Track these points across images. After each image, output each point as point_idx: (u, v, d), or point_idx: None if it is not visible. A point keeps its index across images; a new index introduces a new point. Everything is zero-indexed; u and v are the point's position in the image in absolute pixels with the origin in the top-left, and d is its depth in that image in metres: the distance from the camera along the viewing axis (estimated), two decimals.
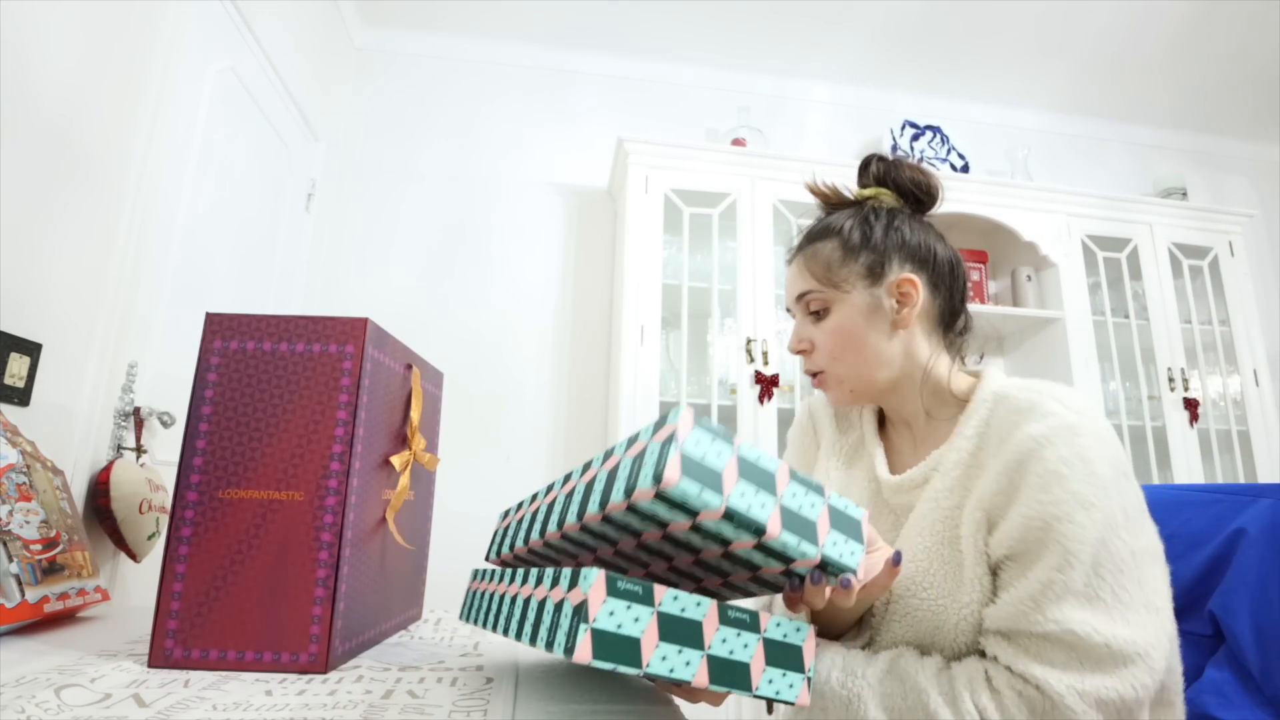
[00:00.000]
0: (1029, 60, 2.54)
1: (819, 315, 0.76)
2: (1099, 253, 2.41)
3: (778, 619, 0.47)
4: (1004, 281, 2.56)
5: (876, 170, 0.80)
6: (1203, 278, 2.50)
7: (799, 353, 0.79)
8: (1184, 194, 2.66)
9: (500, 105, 2.51)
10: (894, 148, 2.55)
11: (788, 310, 0.82)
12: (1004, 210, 2.36)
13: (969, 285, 0.79)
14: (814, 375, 0.78)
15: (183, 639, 0.61)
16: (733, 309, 2.16)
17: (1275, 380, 2.48)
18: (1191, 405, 2.32)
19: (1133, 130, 2.90)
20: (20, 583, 0.71)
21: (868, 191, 0.80)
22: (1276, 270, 2.87)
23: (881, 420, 0.83)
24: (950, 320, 0.77)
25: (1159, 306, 2.39)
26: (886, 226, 0.76)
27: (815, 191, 0.82)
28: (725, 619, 0.45)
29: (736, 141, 2.39)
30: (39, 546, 0.75)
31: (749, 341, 2.07)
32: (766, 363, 2.06)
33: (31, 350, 1.07)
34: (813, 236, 0.79)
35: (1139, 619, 0.57)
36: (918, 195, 0.79)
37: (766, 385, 2.04)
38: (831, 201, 0.82)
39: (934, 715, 0.58)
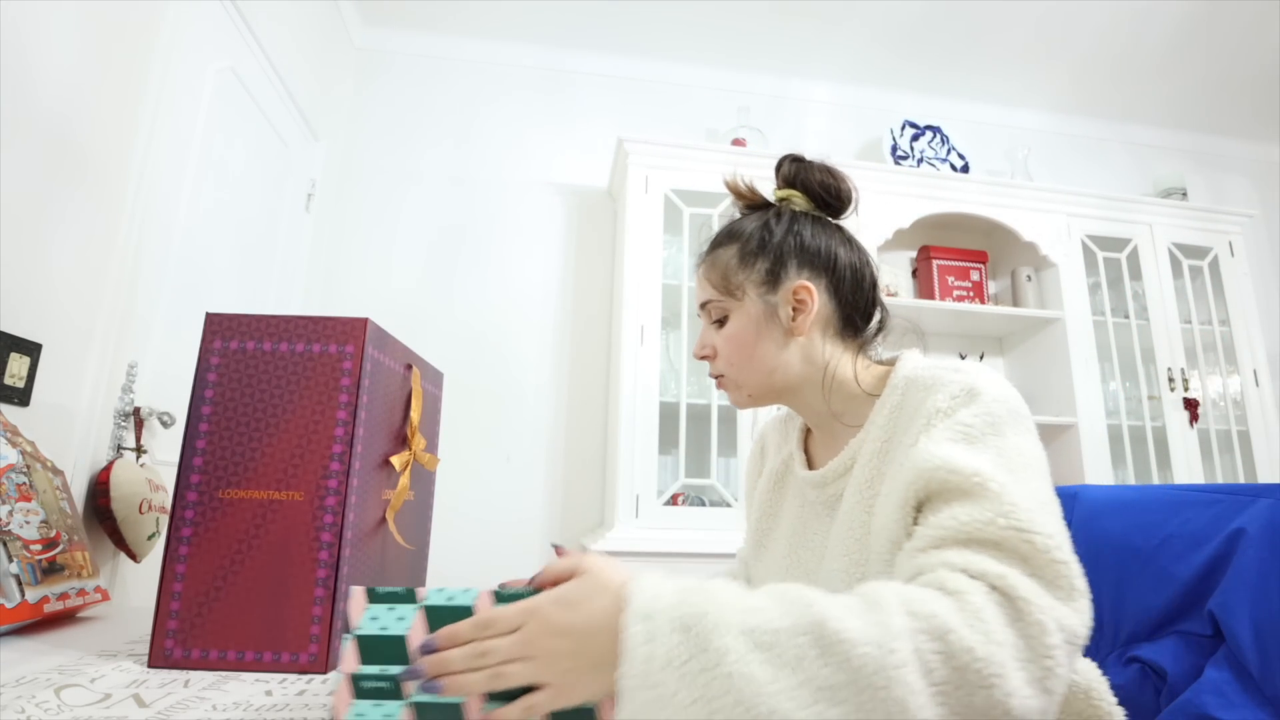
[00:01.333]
0: (1029, 60, 2.54)
1: (721, 323, 0.76)
2: (1099, 253, 2.41)
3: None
4: (1004, 281, 2.56)
5: (787, 172, 0.78)
6: (1203, 278, 2.50)
7: (702, 358, 0.78)
8: (1184, 194, 2.66)
9: (500, 105, 2.51)
10: (894, 148, 2.55)
11: (699, 315, 0.82)
12: (1004, 210, 2.36)
13: (878, 288, 0.78)
14: (717, 378, 0.78)
15: (183, 639, 0.61)
16: None
17: (1275, 380, 2.48)
18: (1191, 405, 2.32)
19: (1133, 130, 2.90)
20: (20, 583, 0.71)
21: (781, 193, 0.78)
22: (1276, 270, 2.87)
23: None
24: (854, 324, 0.76)
25: (1159, 306, 2.39)
26: (787, 230, 0.74)
27: (733, 190, 0.80)
28: (490, 694, 0.43)
29: (736, 142, 2.39)
30: (39, 546, 0.75)
31: None
32: None
33: (31, 350, 1.07)
34: (717, 242, 0.78)
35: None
36: (826, 199, 0.77)
37: None
38: (747, 201, 0.80)
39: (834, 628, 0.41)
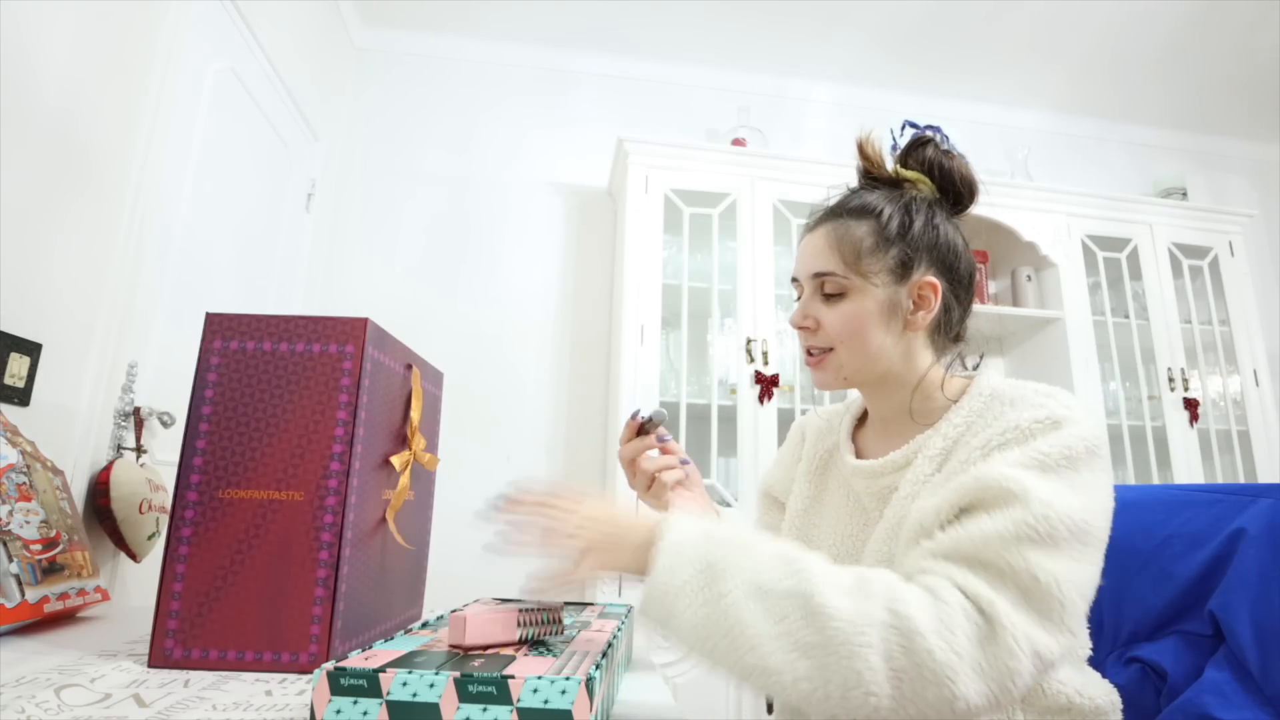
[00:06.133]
0: (1029, 60, 2.54)
1: (832, 297, 0.73)
2: (1099, 253, 2.41)
3: (535, 683, 0.43)
4: (1004, 281, 2.56)
5: (931, 156, 0.74)
6: (1203, 278, 2.50)
7: (801, 329, 0.75)
8: (1184, 194, 2.66)
9: (501, 105, 2.51)
10: (894, 147, 2.54)
11: (793, 280, 0.77)
12: (1004, 210, 2.36)
13: (974, 294, 0.77)
14: (811, 354, 0.75)
15: (183, 639, 0.61)
16: (733, 309, 2.16)
17: (1275, 380, 2.48)
18: (1191, 405, 2.32)
19: (1133, 130, 2.89)
20: (20, 583, 0.71)
21: (909, 174, 0.75)
22: (1276, 270, 2.87)
23: (859, 420, 0.84)
24: (950, 329, 0.75)
25: (1159, 306, 2.39)
26: (926, 223, 0.72)
27: (863, 152, 0.77)
28: (465, 695, 0.43)
29: (736, 141, 2.39)
30: (39, 546, 0.75)
31: (749, 341, 2.07)
32: (766, 363, 2.06)
33: (31, 350, 1.07)
34: (849, 211, 0.74)
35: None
36: (960, 194, 0.75)
37: (766, 385, 2.04)
38: (872, 171, 0.77)
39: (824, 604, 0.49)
